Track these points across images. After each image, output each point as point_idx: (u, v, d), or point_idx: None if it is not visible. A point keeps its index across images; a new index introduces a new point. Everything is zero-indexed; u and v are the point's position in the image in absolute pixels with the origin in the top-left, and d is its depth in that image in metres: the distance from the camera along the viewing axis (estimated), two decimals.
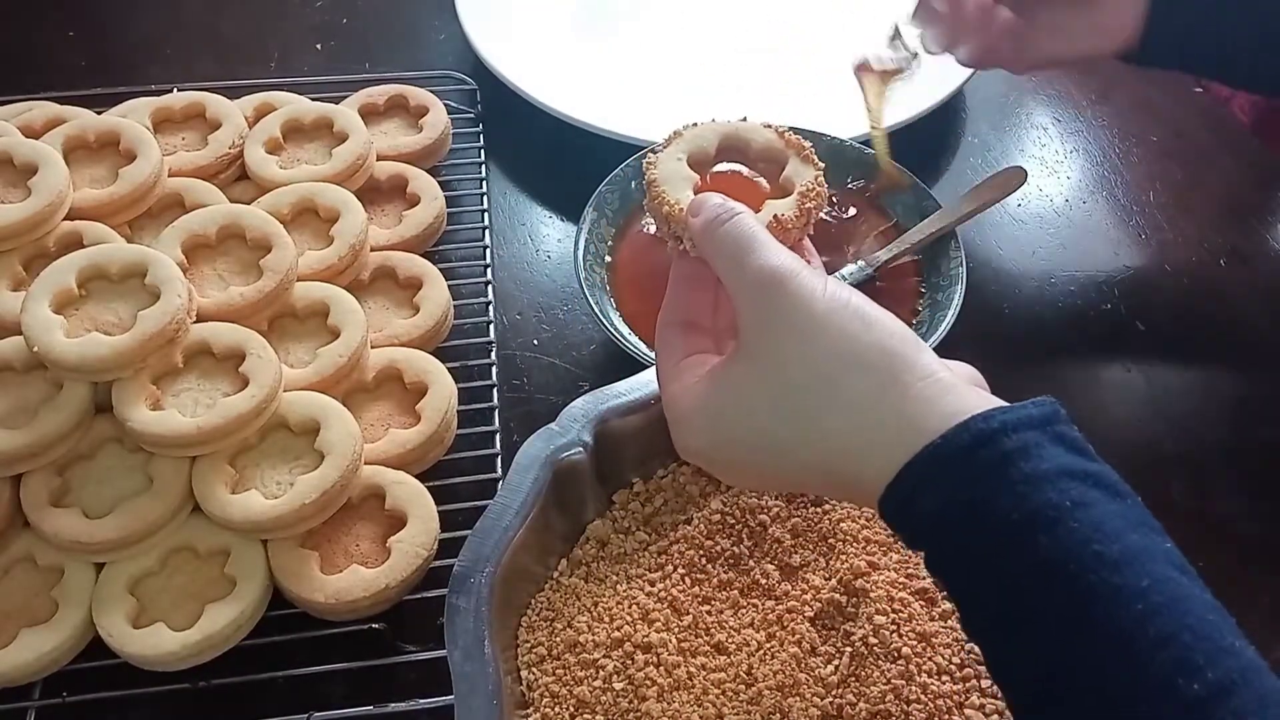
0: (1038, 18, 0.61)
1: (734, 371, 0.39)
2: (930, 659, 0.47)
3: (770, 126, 0.47)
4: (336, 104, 0.74)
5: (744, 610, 0.49)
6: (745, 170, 0.46)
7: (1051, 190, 0.80)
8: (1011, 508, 0.33)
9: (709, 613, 0.49)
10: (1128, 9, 0.59)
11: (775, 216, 0.43)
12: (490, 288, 0.70)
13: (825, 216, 0.68)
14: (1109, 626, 0.31)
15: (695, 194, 0.44)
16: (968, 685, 0.47)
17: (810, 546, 0.51)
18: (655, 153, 0.46)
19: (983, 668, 0.47)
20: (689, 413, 0.40)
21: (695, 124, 0.47)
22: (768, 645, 0.48)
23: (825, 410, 0.37)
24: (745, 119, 0.47)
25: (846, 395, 0.36)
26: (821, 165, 0.46)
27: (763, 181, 0.46)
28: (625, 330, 0.65)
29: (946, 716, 0.46)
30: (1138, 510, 0.34)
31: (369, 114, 0.76)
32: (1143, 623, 0.31)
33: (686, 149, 0.46)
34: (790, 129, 0.47)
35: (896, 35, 0.69)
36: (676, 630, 0.49)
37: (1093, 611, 0.31)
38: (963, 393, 0.36)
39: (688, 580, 0.50)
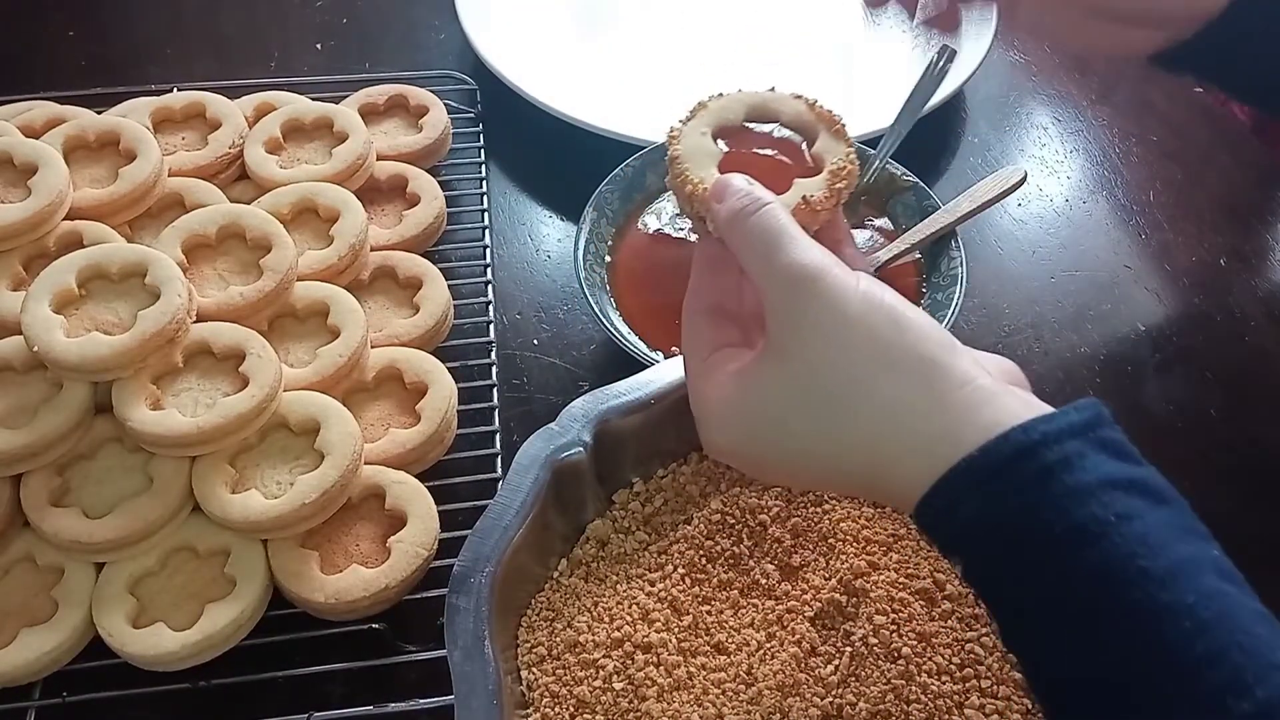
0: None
1: (764, 372, 0.38)
2: (930, 659, 0.47)
3: (800, 97, 0.45)
4: (336, 104, 0.74)
5: (744, 610, 0.49)
6: (770, 150, 0.44)
7: (1051, 190, 0.80)
8: (1054, 522, 0.32)
9: (709, 613, 0.49)
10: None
11: (804, 198, 0.41)
12: (490, 288, 0.70)
13: None
14: (1156, 644, 0.31)
15: (720, 171, 0.42)
16: (968, 685, 0.47)
17: (810, 546, 0.51)
18: (679, 126, 0.44)
19: (983, 667, 0.47)
20: (717, 411, 0.39)
21: (721, 94, 0.45)
22: (768, 645, 0.48)
23: (857, 417, 0.36)
24: (774, 89, 0.45)
25: (879, 402, 0.35)
26: (854, 142, 0.44)
27: (796, 151, 0.44)
28: (625, 330, 0.65)
29: (946, 716, 0.46)
30: (1183, 516, 0.33)
31: (369, 114, 0.76)
32: (1191, 640, 0.30)
33: (711, 122, 0.44)
34: (819, 102, 0.45)
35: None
36: (676, 630, 0.49)
37: (1139, 629, 0.31)
38: (1002, 399, 0.34)
39: (688, 580, 0.50)
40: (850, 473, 0.37)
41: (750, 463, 0.40)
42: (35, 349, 0.53)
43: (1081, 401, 0.34)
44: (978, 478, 0.33)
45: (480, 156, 0.78)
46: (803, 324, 0.36)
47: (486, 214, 0.75)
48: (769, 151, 0.44)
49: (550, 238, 0.76)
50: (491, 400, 0.63)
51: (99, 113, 0.70)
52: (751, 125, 0.45)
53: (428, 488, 0.56)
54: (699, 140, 0.43)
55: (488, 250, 0.72)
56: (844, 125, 0.44)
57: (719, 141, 0.44)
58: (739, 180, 0.40)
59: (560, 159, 0.80)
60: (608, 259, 0.69)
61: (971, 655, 0.47)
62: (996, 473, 0.33)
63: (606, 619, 0.49)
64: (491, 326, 0.68)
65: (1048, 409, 0.34)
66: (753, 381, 0.38)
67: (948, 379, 0.35)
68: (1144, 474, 0.33)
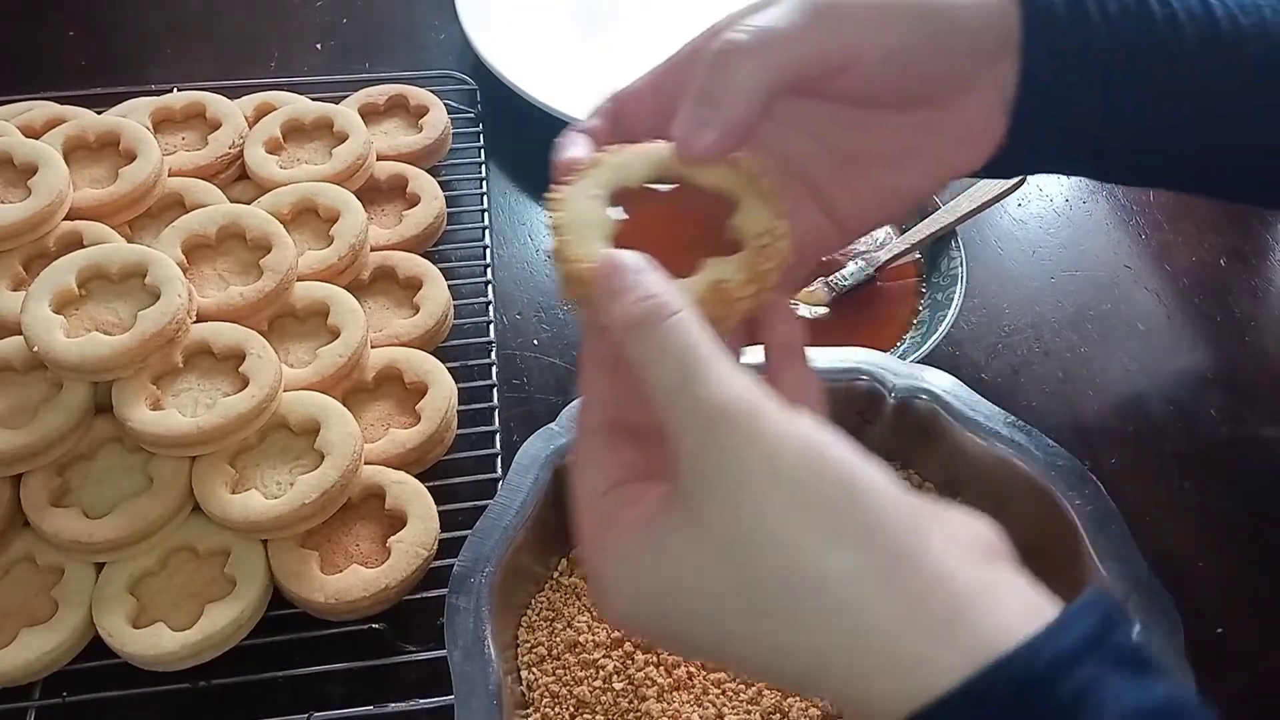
0: (870, 147, 0.39)
1: (673, 539, 0.29)
2: None
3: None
4: (336, 104, 0.74)
5: None
6: (679, 219, 0.35)
7: (1051, 190, 0.80)
8: None
9: None
10: (990, 104, 0.38)
11: (715, 284, 0.32)
12: (490, 288, 0.70)
13: None
14: None
15: (613, 245, 0.33)
16: None
17: None
18: (565, 185, 0.36)
19: None
20: (615, 575, 0.30)
21: (622, 147, 0.36)
22: None
23: (799, 615, 0.27)
24: None
25: (831, 600, 0.27)
26: (787, 209, 0.34)
27: (712, 221, 0.34)
28: None
29: None
30: None
31: (369, 114, 0.76)
32: None
33: (607, 182, 0.35)
34: (747, 152, 0.35)
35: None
36: None
37: None
38: (990, 602, 0.27)
39: None
40: (789, 679, 0.30)
41: (658, 640, 0.34)
42: (35, 349, 0.53)
43: (1088, 598, 0.28)
44: (971, 715, 0.26)
45: (480, 156, 0.78)
46: (723, 481, 0.28)
47: (486, 214, 0.74)
48: (677, 221, 0.35)
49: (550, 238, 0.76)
50: (491, 400, 0.63)
51: (99, 113, 0.70)
52: (658, 187, 0.36)
53: (428, 488, 0.56)
54: (587, 205, 0.35)
55: (488, 250, 0.72)
56: (773, 186, 0.35)
57: (614, 208, 0.35)
58: (632, 264, 0.31)
59: None
60: None
61: None
62: (995, 710, 0.26)
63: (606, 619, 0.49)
64: (491, 326, 0.68)
65: (1046, 609, 0.27)
66: (658, 547, 0.29)
67: (916, 570, 0.27)
68: (1167, 694, 0.27)
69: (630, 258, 0.31)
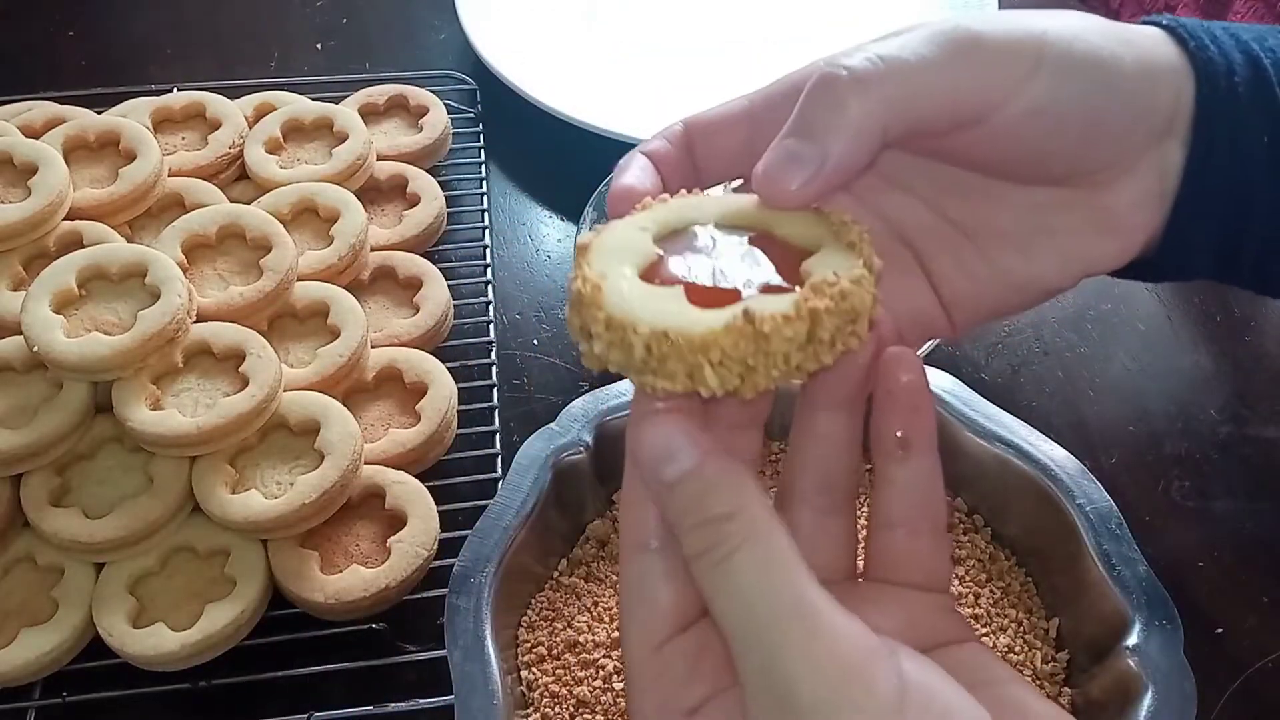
0: (995, 222, 0.32)
1: None
2: None
3: (816, 209, 0.29)
4: (336, 104, 0.74)
5: None
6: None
7: None
8: None
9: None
10: (1145, 191, 0.31)
11: (746, 312, 0.24)
12: (490, 288, 0.70)
13: None
14: None
15: (646, 279, 0.27)
16: None
17: None
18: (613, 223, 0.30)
19: None
20: None
21: (696, 192, 0.30)
22: None
23: None
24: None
25: None
26: (878, 263, 0.27)
27: (779, 264, 0.27)
28: None
29: None
30: None
31: (369, 114, 0.76)
32: None
33: (664, 220, 0.29)
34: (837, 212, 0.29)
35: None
36: None
37: None
38: None
39: None
40: None
41: None
42: (35, 349, 0.53)
43: None
44: None
45: (480, 156, 0.78)
46: None
47: (486, 214, 0.75)
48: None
49: (550, 238, 0.76)
50: (491, 400, 0.63)
51: (99, 113, 0.70)
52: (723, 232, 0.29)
53: (428, 488, 0.56)
54: (629, 234, 0.28)
55: (488, 250, 0.72)
56: (864, 236, 0.28)
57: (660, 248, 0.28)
58: (660, 428, 0.25)
59: (560, 159, 0.80)
60: None
61: None
62: None
63: (606, 619, 0.49)
64: (491, 326, 0.68)
65: None
66: None
67: None
68: None
69: (660, 425, 0.25)
